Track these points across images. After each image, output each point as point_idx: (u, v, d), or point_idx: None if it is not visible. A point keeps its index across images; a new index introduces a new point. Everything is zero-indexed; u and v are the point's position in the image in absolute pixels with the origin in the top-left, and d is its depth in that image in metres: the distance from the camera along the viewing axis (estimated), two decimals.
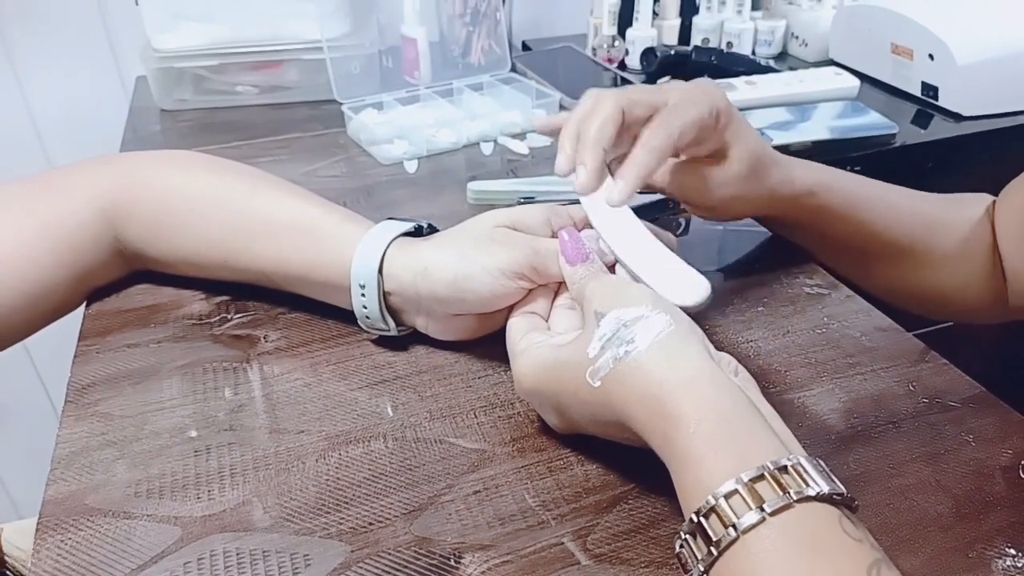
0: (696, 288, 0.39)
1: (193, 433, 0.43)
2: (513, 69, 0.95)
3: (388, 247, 0.46)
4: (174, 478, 0.40)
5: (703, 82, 0.48)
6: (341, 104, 0.83)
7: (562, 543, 0.36)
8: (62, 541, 0.36)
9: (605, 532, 0.37)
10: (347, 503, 0.38)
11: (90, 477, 0.40)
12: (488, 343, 0.48)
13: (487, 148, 0.78)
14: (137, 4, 0.90)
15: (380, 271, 0.46)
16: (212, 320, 0.52)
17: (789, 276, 0.57)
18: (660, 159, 0.44)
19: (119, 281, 0.55)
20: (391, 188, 0.72)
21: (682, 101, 0.46)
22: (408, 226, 0.48)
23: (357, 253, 0.46)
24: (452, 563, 0.35)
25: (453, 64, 0.96)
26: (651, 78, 0.94)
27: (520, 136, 0.80)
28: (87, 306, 0.53)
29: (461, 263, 0.44)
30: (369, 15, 0.95)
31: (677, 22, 1.00)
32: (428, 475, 0.40)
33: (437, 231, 0.50)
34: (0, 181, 0.51)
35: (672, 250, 0.43)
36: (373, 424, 0.44)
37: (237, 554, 0.36)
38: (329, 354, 0.49)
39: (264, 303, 0.53)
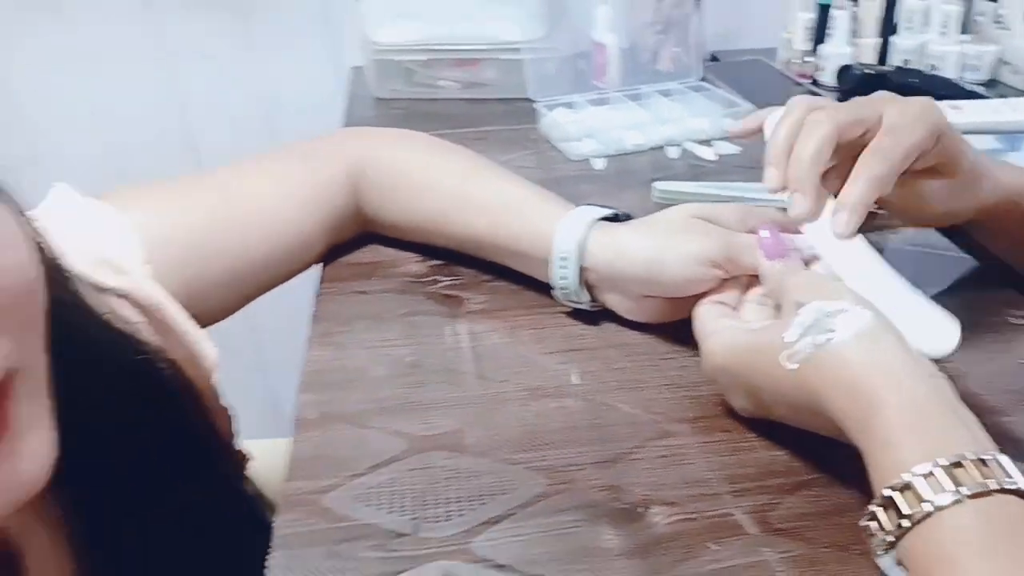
0: (945, 334, 0.40)
1: (413, 367, 0.49)
2: (703, 79, 0.97)
3: (591, 227, 0.51)
4: (398, 402, 0.47)
5: (920, 99, 0.47)
6: (534, 102, 0.89)
7: (741, 516, 0.39)
8: (314, 437, 0.44)
9: (787, 511, 0.39)
10: (545, 446, 0.43)
11: (332, 393, 0.47)
12: (675, 328, 0.51)
13: (673, 152, 0.81)
14: (358, 0, 1.01)
15: (582, 247, 0.50)
16: (426, 280, 0.59)
17: (993, 304, 0.55)
18: (883, 189, 0.45)
19: (350, 242, 0.62)
20: (578, 182, 0.77)
21: (901, 123, 0.45)
22: (607, 212, 0.53)
23: (560, 228, 0.51)
24: (639, 511, 0.39)
25: (642, 70, 1.00)
26: (847, 96, 0.94)
27: (707, 143, 0.82)
28: (325, 261, 0.61)
29: (657, 247, 0.48)
30: (563, 20, 1.01)
31: (874, 41, 0.99)
32: (616, 435, 0.44)
33: (631, 219, 0.54)
34: (234, 152, 0.60)
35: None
36: (564, 385, 0.48)
37: (454, 469, 0.42)
38: (526, 320, 0.54)
39: (471, 270, 0.59)
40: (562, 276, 0.52)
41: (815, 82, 1.01)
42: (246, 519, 0.48)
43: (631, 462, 0.42)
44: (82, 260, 0.42)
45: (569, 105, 0.89)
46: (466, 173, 0.58)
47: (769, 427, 0.43)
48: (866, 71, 0.91)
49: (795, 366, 0.38)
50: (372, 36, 1.01)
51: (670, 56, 0.99)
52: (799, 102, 0.48)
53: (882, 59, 1.00)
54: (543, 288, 0.54)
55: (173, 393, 0.43)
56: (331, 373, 0.49)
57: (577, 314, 0.54)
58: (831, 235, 0.45)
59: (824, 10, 1.00)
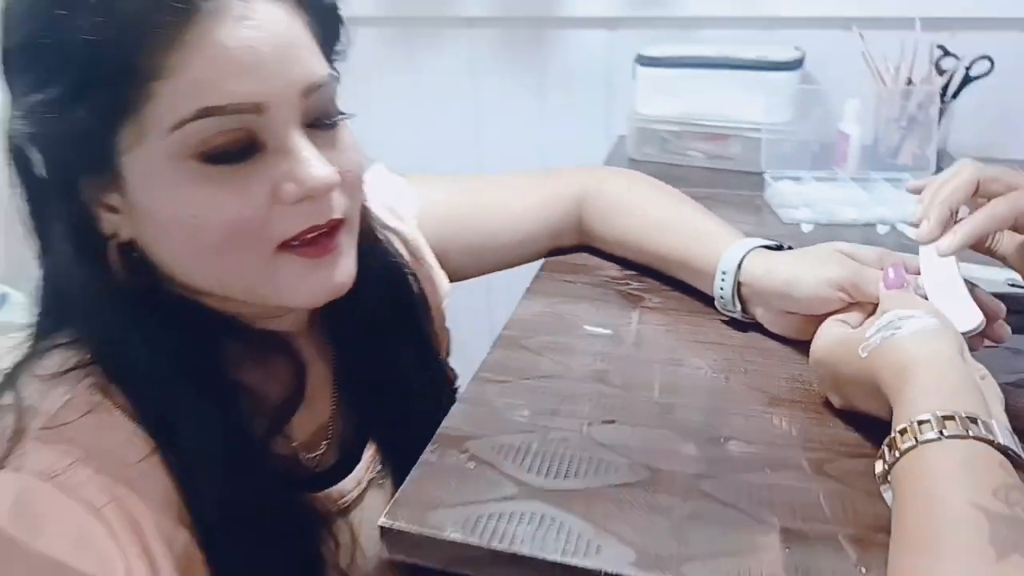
0: (969, 316, 0.49)
1: (599, 331, 0.66)
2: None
3: (751, 250, 0.64)
4: (573, 345, 0.63)
5: None
6: (764, 174, 1.01)
7: (802, 460, 0.49)
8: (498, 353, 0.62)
9: (839, 466, 0.49)
10: (671, 393, 0.57)
11: (526, 330, 0.65)
12: (808, 344, 0.61)
13: (883, 229, 0.89)
14: (634, 79, 1.21)
15: (739, 265, 0.63)
16: (619, 281, 0.75)
17: None
18: (995, 226, 0.53)
19: (569, 249, 0.81)
20: (779, 240, 0.88)
21: None
22: (770, 242, 0.65)
23: (728, 249, 0.64)
24: (721, 440, 0.51)
25: (881, 162, 1.07)
26: None
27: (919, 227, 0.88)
28: (547, 257, 0.80)
29: (797, 268, 0.60)
30: (811, 108, 1.12)
31: None
32: (727, 400, 0.56)
33: (792, 249, 0.65)
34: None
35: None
36: (701, 363, 0.61)
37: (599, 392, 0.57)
38: (688, 319, 0.68)
39: (656, 281, 0.74)
40: (721, 287, 0.65)
41: None
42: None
43: (731, 416, 0.54)
44: (377, 205, 0.66)
45: (796, 179, 1.00)
46: (667, 205, 0.74)
47: (852, 417, 0.53)
48: None
49: (865, 354, 0.48)
50: (638, 108, 1.21)
51: (911, 152, 1.06)
52: (961, 161, 0.56)
53: None
54: (709, 301, 0.68)
55: (419, 300, 0.63)
56: (530, 321, 0.67)
57: (731, 322, 0.67)
58: (935, 254, 0.54)
59: None
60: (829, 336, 0.54)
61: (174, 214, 0.46)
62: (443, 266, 0.72)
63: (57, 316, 0.51)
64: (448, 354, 0.73)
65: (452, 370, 0.72)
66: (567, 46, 1.45)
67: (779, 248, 0.66)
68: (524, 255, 0.77)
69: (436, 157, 1.55)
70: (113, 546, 0.44)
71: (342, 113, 0.51)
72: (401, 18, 1.51)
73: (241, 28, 0.44)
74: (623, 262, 0.77)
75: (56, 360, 0.49)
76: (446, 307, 0.70)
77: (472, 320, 0.75)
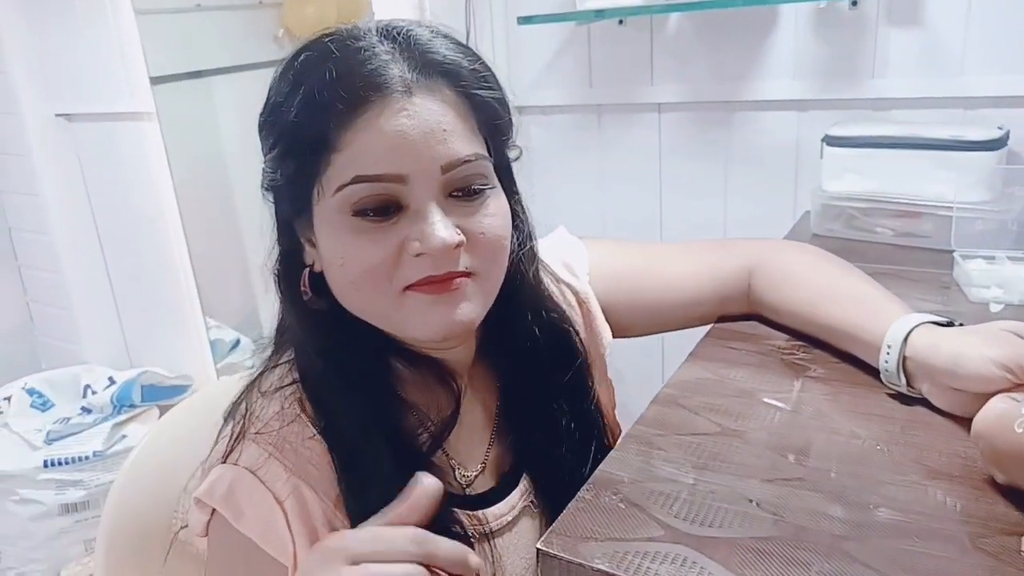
0: None
1: (762, 398, 0.69)
2: None
3: (918, 325, 0.64)
4: (751, 419, 0.67)
5: None
6: (954, 252, 0.98)
7: (960, 535, 0.50)
8: (655, 408, 0.67)
9: (994, 542, 0.49)
10: (827, 458, 0.59)
11: (691, 398, 0.70)
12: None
13: None
14: (821, 158, 1.23)
15: (905, 340, 0.64)
16: (785, 351, 0.77)
17: None
18: None
19: (738, 317, 0.84)
20: (964, 319, 0.85)
21: None
22: (940, 318, 0.65)
23: (895, 323, 0.66)
24: (870, 507, 0.53)
25: None
26: None
27: None
28: (715, 323, 0.84)
29: (964, 346, 0.60)
30: (1010, 186, 1.08)
31: None
32: (885, 468, 0.57)
33: (963, 325, 0.65)
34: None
35: None
36: (860, 432, 0.62)
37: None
38: (851, 390, 0.69)
39: (824, 352, 0.76)
40: (886, 360, 0.66)
41: None
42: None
43: (884, 484, 0.55)
44: (555, 260, 0.76)
45: (989, 258, 0.97)
46: (836, 275, 0.76)
47: (1016, 495, 0.52)
48: None
49: (1021, 430, 0.48)
50: (824, 186, 1.22)
51: None
52: None
53: None
54: (876, 373, 0.69)
55: (577, 351, 0.71)
56: (690, 382, 0.72)
57: (897, 396, 0.67)
58: None
59: None
60: (991, 410, 0.54)
61: (332, 254, 0.59)
62: (611, 320, 0.78)
63: (279, 341, 0.67)
64: (614, 406, 0.79)
65: (618, 424, 0.78)
66: (756, 127, 1.49)
67: (949, 324, 0.66)
68: (691, 318, 0.82)
69: (621, 230, 1.64)
70: (288, 533, 0.58)
71: (488, 186, 0.60)
72: (594, 105, 1.63)
73: (398, 117, 0.56)
74: (792, 332, 0.80)
75: (275, 377, 0.64)
76: (608, 357, 0.77)
77: (642, 378, 0.80)
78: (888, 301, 0.70)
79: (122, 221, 2.12)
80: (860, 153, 1.19)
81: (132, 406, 2.06)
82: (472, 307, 0.60)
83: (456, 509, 0.64)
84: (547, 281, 0.75)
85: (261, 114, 0.61)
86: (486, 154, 0.60)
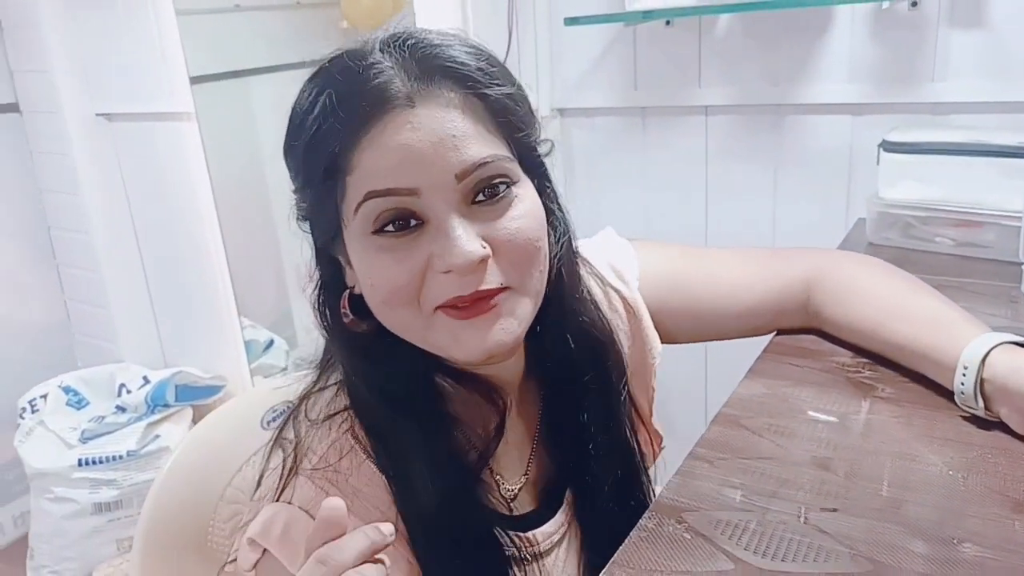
0: None
1: (824, 417, 0.65)
2: None
3: (997, 345, 0.60)
4: (818, 442, 0.63)
5: None
6: (1022, 263, 0.94)
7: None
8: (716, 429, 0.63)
9: None
10: (901, 488, 0.55)
11: (753, 419, 0.66)
12: None
13: None
14: (878, 164, 1.18)
15: (983, 361, 0.60)
16: (850, 369, 0.73)
17: None
18: None
19: (799, 331, 0.80)
20: None
21: None
22: (1020, 338, 0.61)
23: (972, 343, 0.62)
24: (954, 541, 0.49)
25: None
26: None
27: None
28: (775, 335, 0.80)
29: None
30: None
31: None
32: (959, 499, 0.54)
33: None
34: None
35: None
36: (948, 461, 0.58)
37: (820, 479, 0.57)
38: (924, 412, 0.65)
39: (891, 371, 0.72)
40: (962, 382, 0.62)
41: None
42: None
43: (967, 517, 0.52)
44: (602, 264, 0.73)
45: None
46: (905, 291, 0.72)
47: None
48: None
49: None
50: (881, 193, 1.17)
51: None
52: None
53: None
54: (949, 395, 0.65)
55: (608, 357, 0.68)
56: (750, 401, 0.68)
57: (973, 419, 0.63)
58: None
59: None
60: None
61: (363, 276, 0.57)
62: (660, 327, 0.75)
63: (324, 363, 0.64)
64: (652, 413, 0.76)
65: (657, 431, 0.76)
66: (807, 131, 1.45)
67: None
68: (744, 328, 0.78)
69: (665, 236, 1.60)
70: None
71: (512, 184, 0.56)
72: (639, 108, 1.60)
73: (402, 131, 0.53)
74: (856, 349, 0.76)
75: (324, 402, 0.61)
76: (657, 367, 0.74)
77: (686, 389, 0.77)
78: (963, 319, 0.66)
79: (160, 221, 2.13)
80: (919, 159, 1.14)
81: (166, 406, 2.06)
82: (511, 323, 0.56)
83: (505, 530, 0.62)
84: (593, 285, 0.72)
85: (284, 146, 0.59)
86: (507, 153, 0.57)
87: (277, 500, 0.57)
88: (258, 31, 1.92)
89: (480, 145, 0.55)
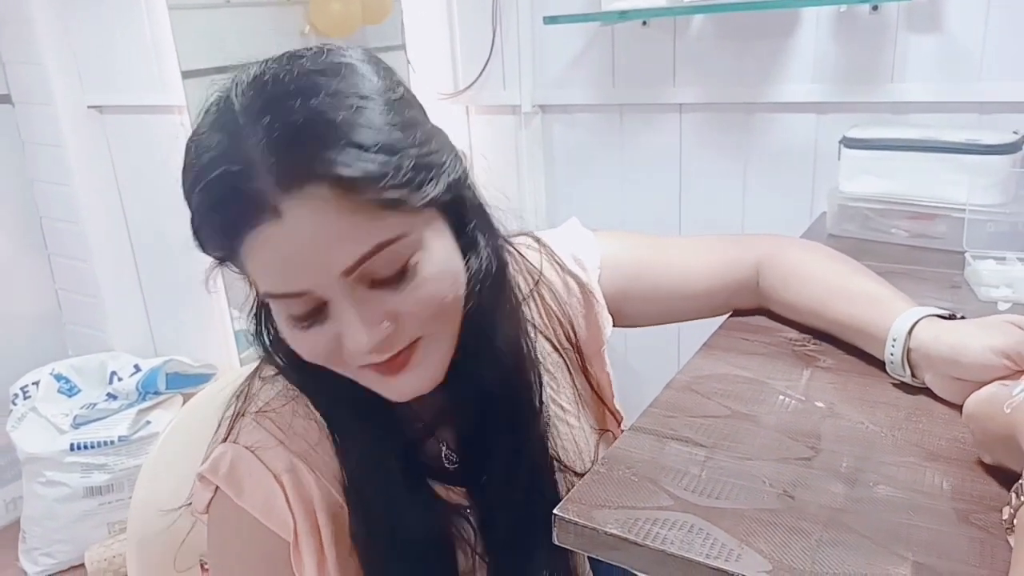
0: None
1: (768, 382, 0.72)
2: None
3: (922, 318, 0.67)
4: (760, 403, 0.69)
5: None
6: (966, 252, 1.00)
7: (949, 510, 0.52)
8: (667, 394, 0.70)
9: (978, 512, 0.51)
10: (834, 441, 0.62)
11: (703, 384, 0.73)
12: None
13: None
14: (839, 160, 1.25)
15: (910, 332, 0.67)
16: (796, 343, 0.80)
17: None
18: None
19: (750, 312, 0.87)
20: (972, 316, 0.87)
21: None
22: (942, 311, 0.68)
23: (899, 317, 0.68)
24: (870, 484, 0.55)
25: None
26: None
27: None
28: (729, 316, 0.87)
29: (965, 336, 0.62)
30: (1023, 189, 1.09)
31: None
32: (885, 449, 0.60)
33: (964, 319, 0.68)
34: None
35: None
36: (875, 420, 0.65)
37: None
38: (859, 379, 0.71)
39: (833, 346, 0.78)
40: (891, 352, 0.68)
41: None
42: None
43: (885, 465, 0.58)
44: (565, 252, 0.79)
45: (1000, 259, 0.99)
46: (845, 273, 0.78)
47: (1009, 477, 0.54)
48: None
49: (1009, 411, 0.51)
50: (841, 187, 1.24)
51: None
52: None
53: None
54: (881, 365, 0.71)
55: (527, 372, 0.69)
56: (702, 370, 0.75)
57: (902, 386, 0.69)
58: None
59: None
60: (983, 392, 0.56)
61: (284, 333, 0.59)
62: (622, 312, 0.81)
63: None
64: (613, 395, 0.82)
65: (618, 411, 0.82)
66: (775, 129, 1.51)
67: (951, 317, 0.68)
68: (701, 311, 0.85)
69: (639, 229, 1.67)
70: (288, 510, 0.62)
71: (411, 255, 0.55)
72: (616, 105, 1.66)
73: (275, 242, 0.52)
74: (802, 326, 0.82)
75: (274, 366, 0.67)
76: (606, 351, 0.80)
77: (660, 370, 0.83)
78: (895, 297, 0.72)
79: (151, 212, 2.17)
80: (877, 155, 1.21)
81: (157, 393, 2.11)
82: (428, 372, 0.60)
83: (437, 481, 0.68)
84: (550, 271, 0.77)
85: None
86: (398, 231, 0.54)
87: (225, 440, 0.64)
88: (247, 27, 1.97)
89: (362, 239, 0.52)
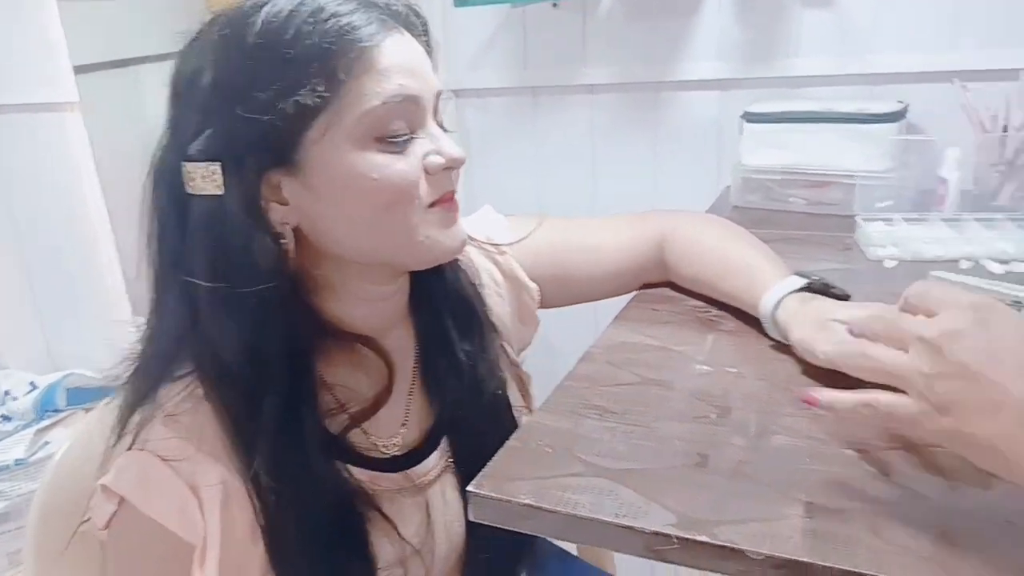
0: None
1: (675, 348, 0.74)
2: None
3: (785, 296, 0.71)
4: (668, 369, 0.72)
5: None
6: (854, 216, 1.06)
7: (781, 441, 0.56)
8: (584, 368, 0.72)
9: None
10: (722, 395, 0.64)
11: (615, 355, 0.75)
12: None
13: (966, 264, 0.92)
14: (741, 134, 1.29)
15: (775, 313, 0.71)
16: (700, 310, 0.83)
17: None
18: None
19: (659, 284, 0.90)
20: (861, 274, 0.93)
21: None
22: (808, 281, 0.72)
23: (769, 291, 0.73)
24: (761, 433, 0.58)
25: (979, 205, 1.09)
26: None
27: (1005, 262, 0.91)
28: (640, 289, 0.89)
29: (807, 340, 0.66)
30: (913, 157, 1.16)
31: None
32: (757, 396, 0.63)
33: (825, 282, 0.72)
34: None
35: None
36: (775, 378, 0.68)
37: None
38: (758, 340, 0.75)
39: (729, 312, 0.81)
40: (765, 325, 0.74)
41: None
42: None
43: (783, 417, 0.61)
44: (479, 235, 0.81)
45: (888, 221, 1.04)
46: (730, 247, 0.82)
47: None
48: None
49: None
50: (743, 160, 1.29)
51: (1009, 194, 1.07)
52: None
53: None
54: None
55: (486, 316, 0.76)
56: (614, 341, 0.77)
57: (779, 345, 0.73)
58: None
59: None
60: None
61: (357, 180, 0.60)
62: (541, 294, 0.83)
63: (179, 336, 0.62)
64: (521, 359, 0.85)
65: (526, 375, 0.84)
66: (682, 106, 1.55)
67: (818, 285, 0.72)
68: (612, 287, 0.87)
69: (556, 209, 1.69)
70: (200, 515, 0.59)
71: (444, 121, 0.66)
72: (529, 88, 1.67)
73: (402, 46, 0.61)
74: (701, 295, 0.86)
75: (183, 368, 0.62)
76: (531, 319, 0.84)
77: (582, 343, 0.84)
78: (771, 266, 0.76)
79: (44, 217, 2.06)
80: (775, 128, 1.26)
81: (56, 411, 2.00)
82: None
83: (375, 471, 0.68)
84: (473, 253, 0.79)
85: (194, 88, 0.58)
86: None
87: (130, 449, 0.60)
88: (145, 18, 1.89)
89: (438, 77, 0.65)
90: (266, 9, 0.58)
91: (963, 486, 0.52)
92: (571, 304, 0.87)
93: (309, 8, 0.58)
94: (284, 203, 0.61)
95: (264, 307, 0.60)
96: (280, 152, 0.59)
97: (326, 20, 0.57)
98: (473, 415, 0.73)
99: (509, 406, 0.77)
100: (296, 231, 0.62)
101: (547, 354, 1.00)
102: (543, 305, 0.84)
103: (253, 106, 0.57)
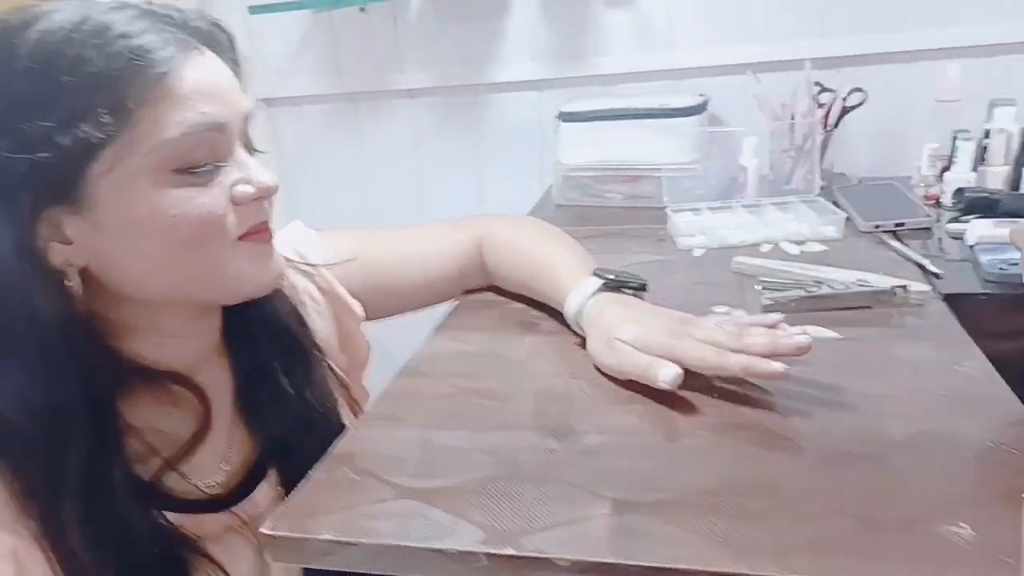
0: None
1: (498, 353, 0.72)
2: (834, 200, 1.10)
3: (594, 293, 0.71)
4: (487, 376, 0.70)
5: None
6: (666, 208, 1.10)
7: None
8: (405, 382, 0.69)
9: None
10: (552, 396, 0.64)
11: (434, 366, 0.72)
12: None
13: (766, 247, 0.97)
14: (557, 133, 1.31)
15: (578, 317, 0.72)
16: (520, 311, 0.82)
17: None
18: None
19: (480, 288, 0.88)
20: (673, 264, 0.96)
21: None
22: (611, 277, 0.73)
23: (573, 293, 0.73)
24: (578, 434, 0.58)
25: (776, 189, 1.16)
26: (962, 214, 1.02)
27: (800, 243, 0.97)
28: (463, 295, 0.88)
29: (598, 352, 0.67)
30: (713, 147, 1.22)
31: (1005, 169, 1.05)
32: (619, 399, 0.63)
33: (620, 280, 0.73)
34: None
35: None
36: (587, 377, 0.68)
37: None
38: (572, 339, 0.75)
39: (547, 312, 0.81)
40: (573, 327, 0.74)
41: (938, 203, 1.09)
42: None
43: (593, 414, 0.61)
44: (289, 251, 0.75)
45: (696, 211, 1.09)
46: (544, 248, 0.82)
47: (689, 408, 0.59)
48: (978, 194, 0.99)
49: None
50: (561, 159, 1.31)
51: (802, 177, 1.15)
52: None
53: (1015, 186, 1.06)
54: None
55: (309, 338, 0.72)
56: (434, 352, 0.75)
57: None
58: None
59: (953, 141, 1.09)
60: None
61: (153, 216, 0.54)
62: (366, 308, 0.79)
63: None
64: (362, 378, 0.82)
65: (365, 390, 0.81)
66: (501, 108, 1.56)
67: (621, 282, 0.73)
68: (436, 295, 0.85)
69: (383, 217, 1.65)
70: None
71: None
72: (346, 94, 1.62)
73: (205, 67, 0.55)
74: (518, 296, 0.85)
75: None
76: (359, 331, 0.79)
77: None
78: (578, 266, 0.76)
79: None
80: (589, 126, 1.29)
81: None
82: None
83: (197, 513, 0.62)
84: (287, 271, 0.73)
85: None
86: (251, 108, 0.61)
87: None
88: None
89: (247, 97, 0.60)
90: (41, 26, 0.51)
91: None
92: (397, 314, 0.84)
93: (92, 26, 0.51)
94: (67, 242, 0.54)
95: (51, 357, 0.54)
96: (59, 188, 0.52)
97: (113, 41, 0.51)
98: (302, 443, 0.67)
99: (342, 428, 0.72)
100: (84, 271, 0.56)
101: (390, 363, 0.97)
102: (368, 318, 0.80)
103: (22, 140, 0.50)
